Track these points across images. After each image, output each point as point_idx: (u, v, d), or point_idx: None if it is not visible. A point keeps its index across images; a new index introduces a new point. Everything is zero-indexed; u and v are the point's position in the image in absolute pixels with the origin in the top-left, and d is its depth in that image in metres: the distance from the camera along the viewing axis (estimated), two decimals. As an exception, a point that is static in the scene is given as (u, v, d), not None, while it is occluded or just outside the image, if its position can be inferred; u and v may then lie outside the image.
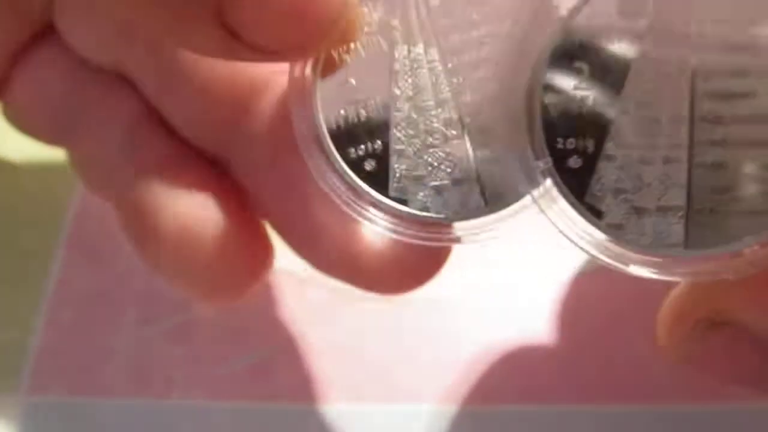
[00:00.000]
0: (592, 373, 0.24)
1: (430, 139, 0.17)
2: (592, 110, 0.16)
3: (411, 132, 0.17)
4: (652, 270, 0.16)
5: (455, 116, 0.17)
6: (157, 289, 0.26)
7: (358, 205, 0.17)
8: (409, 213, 0.17)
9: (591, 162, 0.16)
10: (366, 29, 0.17)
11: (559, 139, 0.16)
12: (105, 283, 0.26)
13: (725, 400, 0.23)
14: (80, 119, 0.22)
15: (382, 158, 0.17)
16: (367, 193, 0.17)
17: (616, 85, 0.15)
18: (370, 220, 0.17)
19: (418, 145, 0.17)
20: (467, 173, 0.17)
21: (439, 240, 0.17)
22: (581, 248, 0.16)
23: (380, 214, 0.17)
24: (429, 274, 0.19)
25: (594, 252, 0.16)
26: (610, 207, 0.16)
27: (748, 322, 0.17)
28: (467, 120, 0.17)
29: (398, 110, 0.17)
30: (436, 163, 0.17)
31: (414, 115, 0.17)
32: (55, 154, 0.23)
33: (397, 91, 0.17)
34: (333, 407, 0.24)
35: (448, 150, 0.17)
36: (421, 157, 0.17)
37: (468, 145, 0.17)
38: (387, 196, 0.17)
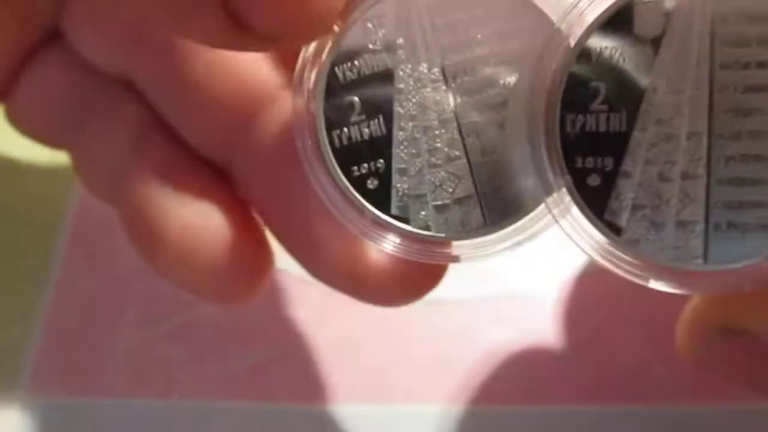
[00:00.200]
0: (592, 373, 0.24)
1: (433, 159, 0.17)
2: (610, 129, 0.16)
3: (414, 151, 0.17)
4: (671, 284, 0.16)
5: (457, 136, 0.17)
6: (157, 289, 0.26)
7: (360, 222, 0.17)
8: (410, 231, 0.17)
9: (610, 180, 0.16)
10: (370, 46, 0.17)
11: (578, 158, 0.16)
12: (105, 283, 0.26)
13: (725, 400, 0.23)
14: (84, 123, 0.22)
15: (385, 176, 0.17)
16: (369, 210, 0.17)
17: (633, 102, 0.16)
18: (370, 236, 0.17)
19: (420, 165, 0.17)
20: (468, 193, 0.17)
21: (438, 258, 0.17)
22: (602, 265, 0.16)
23: (381, 231, 0.17)
24: (427, 288, 0.19)
25: (614, 268, 0.16)
26: (630, 223, 0.16)
27: (760, 331, 0.18)
28: (470, 140, 0.17)
29: (401, 129, 0.17)
30: (438, 183, 0.17)
31: (417, 135, 0.17)
32: (56, 155, 0.23)
33: (401, 110, 0.17)
34: (333, 407, 0.24)
35: (450, 170, 0.17)
36: (424, 176, 0.17)
37: (470, 165, 0.17)
38: (388, 214, 0.17)
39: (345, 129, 0.17)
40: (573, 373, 0.24)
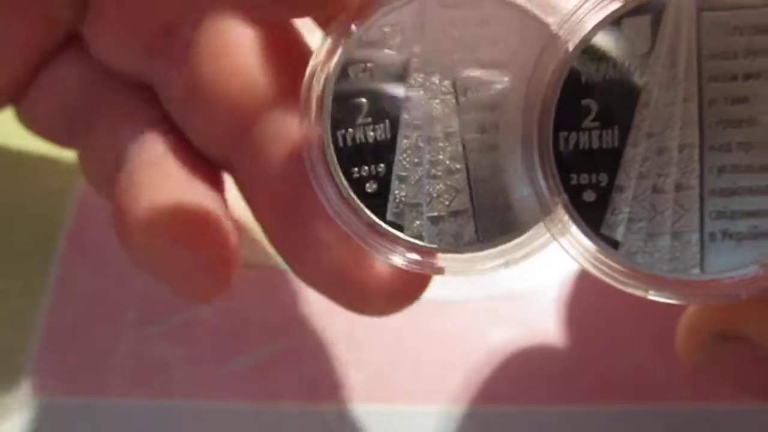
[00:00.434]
0: (592, 373, 0.24)
1: (434, 170, 0.17)
2: (603, 145, 0.16)
3: (416, 160, 0.17)
4: (670, 295, 0.16)
5: (461, 150, 0.17)
6: (157, 289, 0.26)
7: (354, 224, 0.17)
8: (402, 239, 0.17)
9: (605, 195, 0.16)
10: (385, 51, 0.17)
11: (573, 175, 0.16)
12: (105, 283, 0.26)
13: (725, 401, 0.23)
14: (96, 121, 0.22)
15: (384, 182, 0.17)
16: (365, 213, 0.17)
17: (625, 118, 0.16)
18: (363, 240, 0.17)
19: (420, 174, 0.17)
20: (464, 207, 0.17)
21: (423, 268, 0.17)
22: (602, 279, 0.16)
23: (374, 236, 0.17)
24: (411, 298, 0.20)
25: (614, 282, 0.16)
26: (626, 237, 0.16)
27: (757, 337, 0.18)
28: (472, 156, 0.17)
29: (406, 137, 0.17)
30: (435, 194, 0.17)
31: (421, 144, 0.17)
32: (56, 154, 0.23)
33: (407, 118, 0.17)
34: (333, 407, 0.24)
35: (449, 182, 0.17)
36: (422, 186, 0.17)
37: (469, 180, 0.17)
38: (383, 219, 0.17)
39: (350, 129, 0.17)
40: (573, 373, 0.24)
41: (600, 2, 0.16)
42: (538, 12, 0.16)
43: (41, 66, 0.23)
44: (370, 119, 0.17)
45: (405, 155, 0.17)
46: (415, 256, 0.17)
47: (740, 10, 0.15)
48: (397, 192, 0.17)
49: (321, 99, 0.17)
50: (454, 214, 0.17)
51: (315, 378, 0.25)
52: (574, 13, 0.16)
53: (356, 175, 0.17)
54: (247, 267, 0.26)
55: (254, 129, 0.20)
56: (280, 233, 0.20)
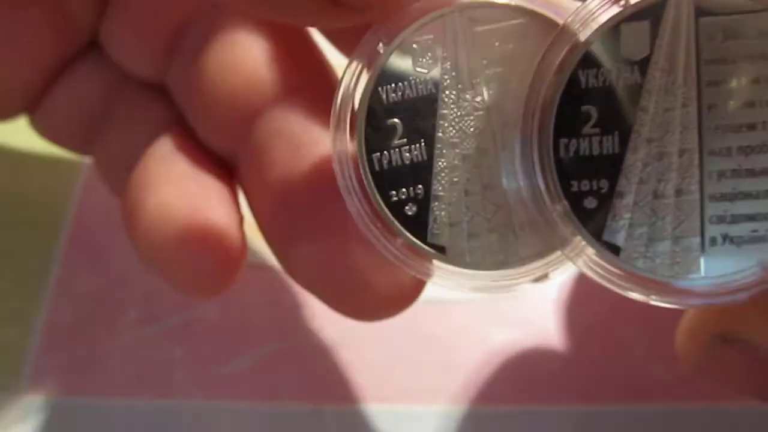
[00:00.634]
0: (592, 373, 0.24)
1: (471, 188, 0.17)
2: (603, 151, 0.16)
3: (455, 179, 0.17)
4: (672, 299, 0.16)
5: (496, 172, 0.17)
6: (157, 289, 0.26)
7: (392, 246, 0.17)
8: (442, 258, 0.17)
9: (606, 201, 0.16)
10: (417, 69, 0.16)
11: (573, 182, 0.16)
12: (105, 283, 0.26)
13: (725, 401, 0.23)
14: (111, 122, 0.23)
15: (423, 203, 0.17)
16: (406, 236, 0.17)
17: (625, 124, 0.16)
18: (403, 262, 0.17)
19: (458, 192, 0.17)
20: (505, 223, 0.17)
21: (461, 287, 0.17)
22: (604, 285, 0.16)
23: (414, 257, 0.17)
24: (408, 303, 0.20)
25: (616, 288, 0.16)
26: (627, 242, 0.16)
27: (756, 339, 0.18)
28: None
29: (442, 156, 0.17)
30: (475, 211, 0.17)
31: (457, 162, 0.17)
32: (56, 154, 0.23)
33: (442, 136, 0.17)
34: (333, 407, 0.24)
35: (488, 198, 0.17)
36: (461, 204, 0.17)
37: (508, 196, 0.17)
38: (424, 241, 0.17)
39: (386, 152, 0.16)
40: (573, 373, 0.24)
41: (598, 8, 0.16)
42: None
43: (59, 73, 0.23)
44: (405, 140, 0.16)
45: (443, 175, 0.17)
46: (456, 276, 0.17)
47: (738, 14, 0.15)
48: (437, 212, 0.17)
49: (353, 119, 0.16)
50: (494, 229, 0.17)
51: (315, 378, 0.25)
52: (573, 19, 0.16)
53: (395, 198, 0.17)
54: (247, 267, 0.26)
55: (257, 125, 0.20)
56: (275, 230, 0.20)
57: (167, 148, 0.21)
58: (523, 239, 0.17)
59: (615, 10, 0.16)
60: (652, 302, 0.16)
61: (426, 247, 0.17)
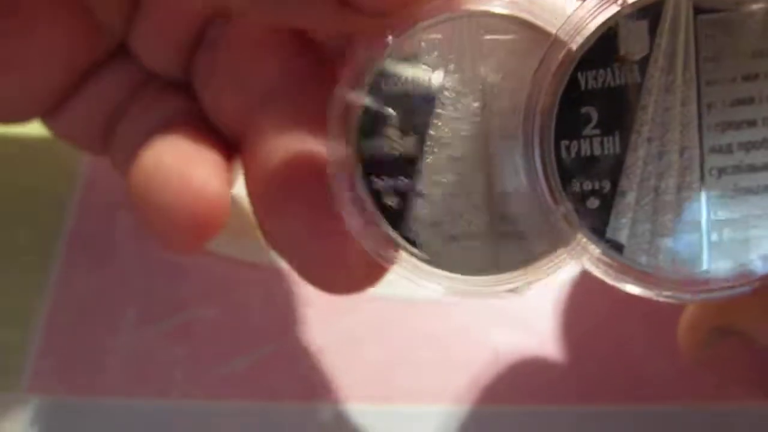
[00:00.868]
0: (592, 373, 0.24)
1: (456, 190, 0.17)
2: (605, 152, 0.16)
3: (443, 180, 0.17)
4: (675, 295, 0.16)
5: (483, 179, 0.17)
6: (157, 289, 0.26)
7: (373, 236, 0.17)
8: (413, 254, 0.17)
9: (608, 200, 0.16)
10: (420, 65, 0.17)
11: (576, 183, 0.16)
12: (105, 283, 0.26)
13: (725, 400, 0.23)
14: (127, 116, 0.23)
15: (406, 196, 0.17)
16: (385, 226, 0.17)
17: (625, 123, 0.16)
18: (379, 253, 0.17)
19: (442, 192, 0.17)
20: (485, 228, 0.17)
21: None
22: (609, 282, 0.17)
23: (390, 250, 0.17)
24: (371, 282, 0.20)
25: (620, 284, 0.16)
26: (630, 239, 0.16)
27: (755, 333, 0.18)
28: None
29: (432, 153, 0.17)
30: (457, 213, 0.17)
31: (445, 163, 0.17)
32: (56, 152, 0.23)
33: (435, 135, 0.17)
34: (333, 407, 0.24)
35: (471, 202, 0.17)
36: (444, 204, 0.17)
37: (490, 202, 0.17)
38: (401, 234, 0.17)
39: (377, 138, 0.17)
40: (573, 373, 0.24)
41: (596, 9, 0.16)
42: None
43: (86, 77, 0.23)
44: (399, 132, 0.17)
45: (428, 171, 0.17)
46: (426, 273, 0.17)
47: (737, 12, 0.15)
48: (418, 209, 0.17)
49: (352, 107, 0.17)
50: (473, 235, 0.17)
51: (315, 378, 0.25)
52: (571, 21, 0.16)
53: (378, 186, 0.17)
54: (245, 264, 0.26)
55: (259, 112, 0.21)
56: (260, 189, 0.21)
57: (176, 125, 0.22)
58: (504, 249, 0.17)
59: (613, 9, 0.16)
60: (656, 298, 0.16)
61: (402, 241, 0.17)
